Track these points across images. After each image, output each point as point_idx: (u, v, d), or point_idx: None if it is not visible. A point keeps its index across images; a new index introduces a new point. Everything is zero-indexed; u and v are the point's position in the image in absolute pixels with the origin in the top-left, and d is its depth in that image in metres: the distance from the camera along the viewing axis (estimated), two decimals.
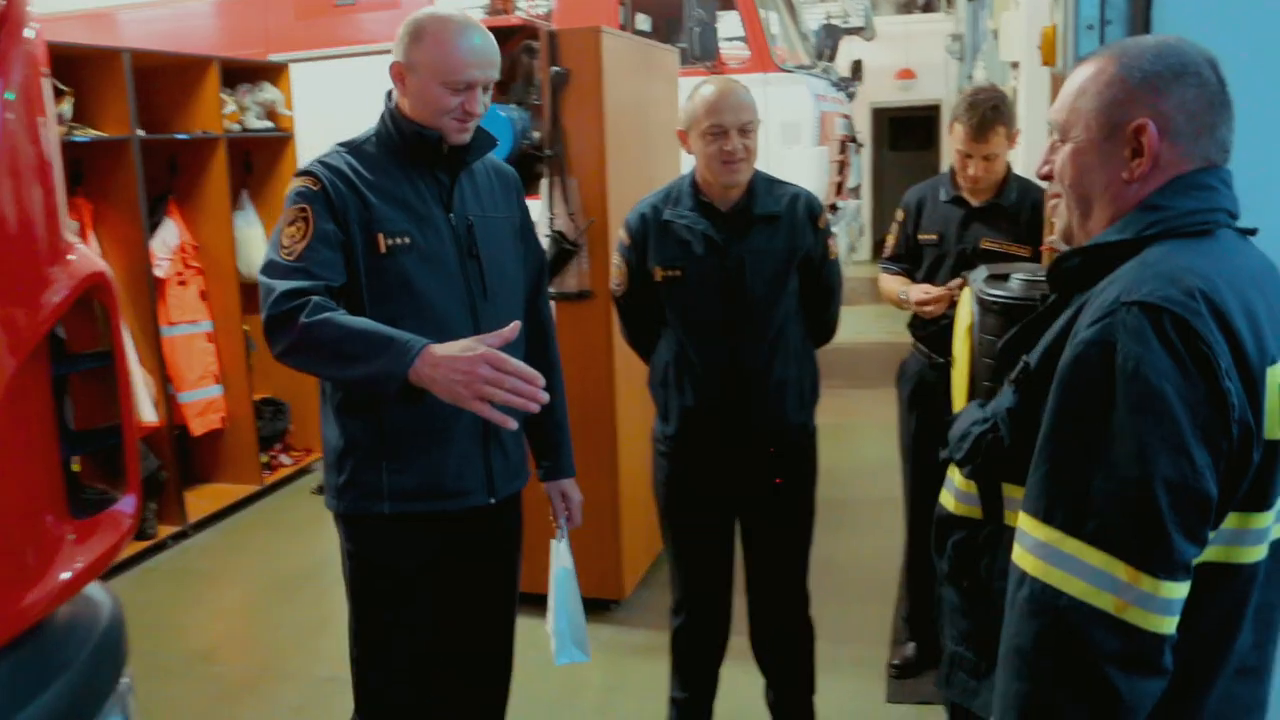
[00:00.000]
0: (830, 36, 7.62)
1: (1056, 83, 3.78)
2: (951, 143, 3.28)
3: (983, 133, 3.16)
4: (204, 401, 5.50)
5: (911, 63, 14.27)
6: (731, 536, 2.96)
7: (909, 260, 3.45)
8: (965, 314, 2.36)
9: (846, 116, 8.96)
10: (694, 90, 2.78)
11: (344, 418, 2.28)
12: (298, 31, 7.51)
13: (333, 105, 7.29)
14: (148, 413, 4.95)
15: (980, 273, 2.42)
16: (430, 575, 2.38)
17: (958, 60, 12.58)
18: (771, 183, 2.86)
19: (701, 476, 2.87)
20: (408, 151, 2.26)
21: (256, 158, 6.03)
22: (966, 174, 3.24)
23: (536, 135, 4.07)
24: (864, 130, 12.30)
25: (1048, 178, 1.48)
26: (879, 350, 8.48)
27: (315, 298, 2.02)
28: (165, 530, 5.08)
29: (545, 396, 1.88)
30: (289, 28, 7.55)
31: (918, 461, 3.42)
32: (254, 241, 5.91)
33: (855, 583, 4.30)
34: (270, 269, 2.10)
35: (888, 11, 14.94)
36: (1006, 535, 1.40)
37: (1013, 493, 1.43)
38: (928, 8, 15.86)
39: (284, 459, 6.04)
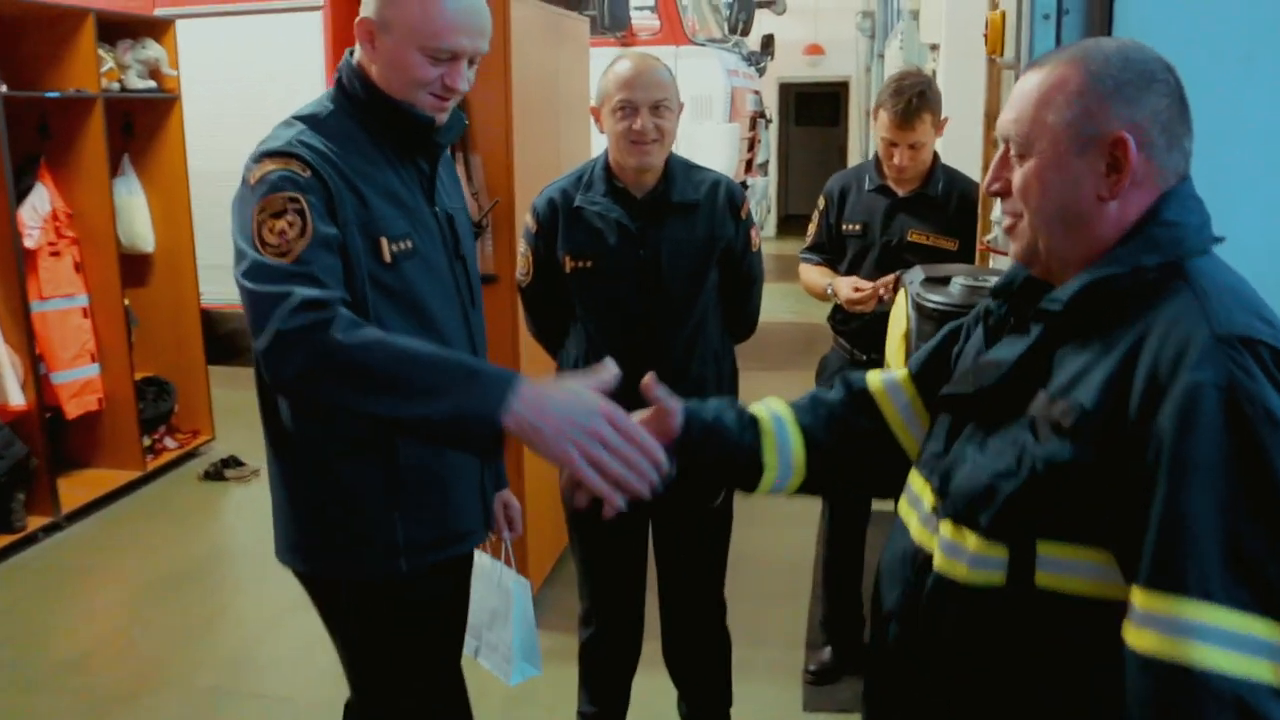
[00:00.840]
0: (744, 9, 7.46)
1: (996, 72, 3.70)
2: (876, 130, 3.15)
3: (909, 120, 3.03)
4: (79, 382, 5.17)
5: (820, 38, 14.23)
6: (644, 541, 2.81)
7: (831, 250, 3.32)
8: (901, 318, 2.23)
9: (757, 92, 8.85)
10: (609, 65, 2.59)
11: (344, 461, 1.88)
12: None
13: (223, 66, 6.98)
14: (14, 395, 4.60)
15: (916, 274, 2.30)
16: (440, 622, 2.11)
17: (868, 38, 12.58)
18: (689, 168, 2.70)
19: None
20: (385, 132, 1.88)
21: (139, 120, 5.65)
22: (892, 163, 3.11)
23: None
24: (771, 105, 12.21)
25: (1001, 194, 1.33)
26: (787, 331, 8.42)
27: (343, 310, 1.60)
28: (35, 522, 4.72)
29: (657, 479, 1.47)
30: None
31: None
32: (135, 210, 5.58)
33: (769, 580, 4.19)
34: (257, 273, 1.64)
35: None
36: (1038, 601, 1.22)
37: (1052, 552, 1.22)
38: None
39: (169, 442, 5.72)
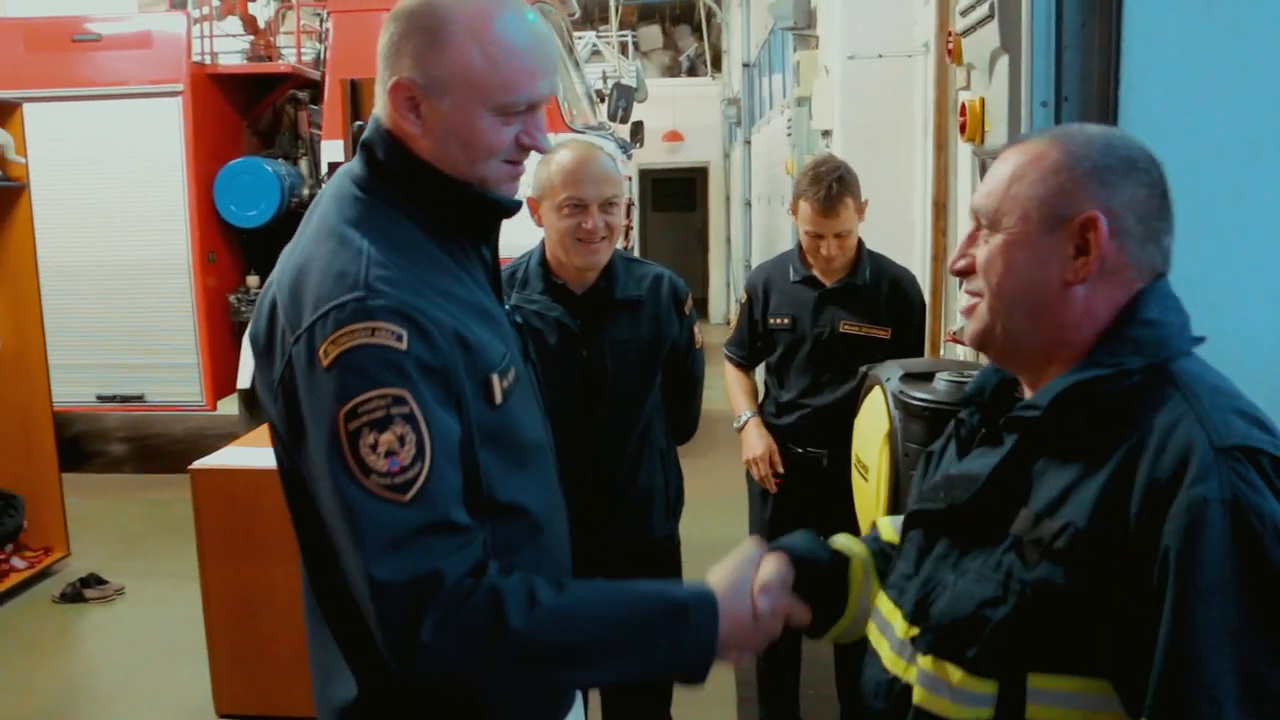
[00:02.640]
0: (624, 98, 7.46)
1: (943, 159, 3.71)
2: (799, 223, 3.09)
3: (832, 207, 2.98)
4: None
5: (678, 124, 14.48)
6: None
7: (756, 345, 3.25)
8: (880, 419, 2.13)
9: (629, 179, 8.86)
10: (547, 155, 2.45)
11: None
12: (29, 66, 6.67)
13: (76, 153, 6.57)
14: None
15: (890, 370, 2.21)
16: None
17: (733, 124, 12.84)
18: (630, 262, 2.58)
19: None
20: (446, 225, 1.44)
21: None
22: (819, 255, 3.05)
23: (306, 192, 3.59)
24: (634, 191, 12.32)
25: (965, 272, 1.26)
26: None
27: (508, 581, 1.28)
28: None
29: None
30: (19, 61, 6.69)
31: None
32: None
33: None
34: (364, 519, 1.23)
35: (653, 74, 15.16)
36: None
37: (1043, 684, 1.14)
38: (692, 71, 16.25)
39: (16, 562, 5.16)
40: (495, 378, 1.38)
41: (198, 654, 3.62)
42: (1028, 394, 1.26)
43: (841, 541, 1.54)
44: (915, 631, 1.26)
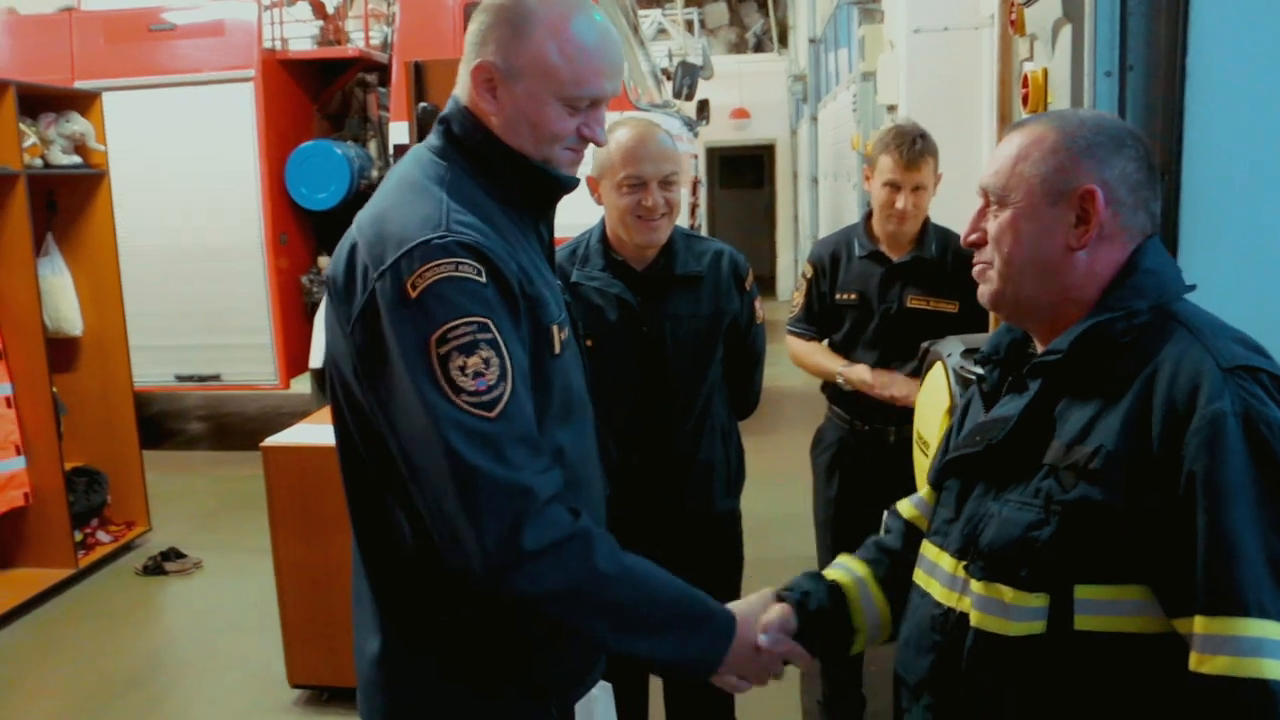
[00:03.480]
0: (688, 74, 7.43)
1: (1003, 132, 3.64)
2: (875, 179, 3.04)
3: (914, 160, 2.94)
4: (3, 477, 4.83)
5: (746, 102, 14.37)
6: None
7: (823, 321, 3.20)
8: (941, 394, 2.12)
9: (695, 156, 8.83)
10: (606, 133, 2.45)
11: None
12: (109, 57, 6.85)
13: (153, 140, 6.74)
14: None
15: (952, 345, 2.19)
16: None
17: (800, 100, 12.72)
18: (690, 239, 2.58)
19: None
20: (515, 196, 1.57)
21: (63, 197, 5.40)
22: (894, 209, 2.98)
23: (375, 174, 3.64)
24: (701, 169, 12.27)
25: (977, 244, 1.42)
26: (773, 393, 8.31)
27: (584, 517, 1.42)
28: None
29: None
30: (99, 52, 6.87)
31: (839, 532, 3.17)
32: (61, 291, 5.32)
33: None
34: (461, 435, 1.34)
35: (719, 51, 15.05)
36: (1078, 643, 1.28)
37: (1089, 594, 1.27)
38: (759, 48, 16.10)
39: (102, 536, 5.36)
40: (555, 328, 1.51)
41: (272, 626, 3.72)
42: (1039, 349, 1.41)
43: (834, 572, 1.70)
44: (964, 564, 1.38)
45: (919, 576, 1.50)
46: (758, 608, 1.60)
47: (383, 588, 1.57)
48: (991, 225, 1.38)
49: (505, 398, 1.36)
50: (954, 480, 1.47)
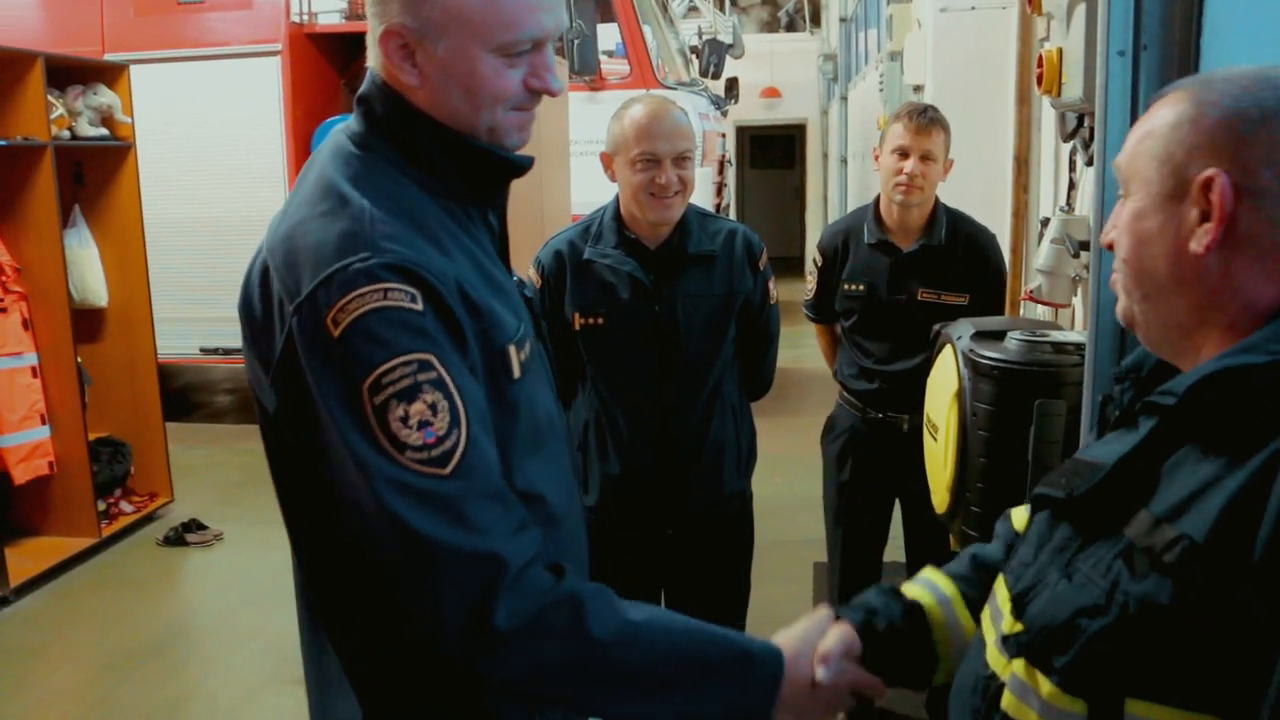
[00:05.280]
0: (715, 53, 7.39)
1: (1025, 113, 3.60)
2: (884, 152, 3.00)
3: (925, 127, 2.91)
4: (29, 445, 4.86)
5: (776, 81, 14.28)
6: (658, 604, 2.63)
7: (834, 310, 3.21)
8: (950, 378, 2.09)
9: (723, 135, 8.79)
10: (621, 109, 2.44)
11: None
12: (138, 30, 6.87)
13: (180, 113, 6.76)
14: None
15: (962, 329, 2.16)
16: None
17: (830, 80, 12.61)
18: (704, 217, 2.55)
19: (626, 554, 2.50)
20: (451, 183, 1.31)
21: (90, 169, 5.41)
22: (902, 174, 2.93)
23: None
24: (729, 148, 12.21)
25: (1110, 247, 1.12)
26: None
27: (586, 586, 1.20)
28: None
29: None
30: (128, 25, 6.89)
31: (850, 522, 3.15)
32: (88, 262, 5.34)
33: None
34: (422, 501, 1.11)
35: (750, 30, 14.95)
36: None
37: (1142, 712, 0.98)
38: (790, 27, 15.98)
39: (125, 506, 5.41)
40: (512, 349, 1.27)
41: (290, 599, 3.73)
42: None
43: (914, 589, 1.43)
44: (1019, 628, 1.11)
45: (985, 615, 1.23)
46: (812, 635, 1.32)
47: (345, 642, 1.34)
48: (1118, 223, 1.09)
49: (460, 448, 1.12)
50: (1042, 515, 1.18)
